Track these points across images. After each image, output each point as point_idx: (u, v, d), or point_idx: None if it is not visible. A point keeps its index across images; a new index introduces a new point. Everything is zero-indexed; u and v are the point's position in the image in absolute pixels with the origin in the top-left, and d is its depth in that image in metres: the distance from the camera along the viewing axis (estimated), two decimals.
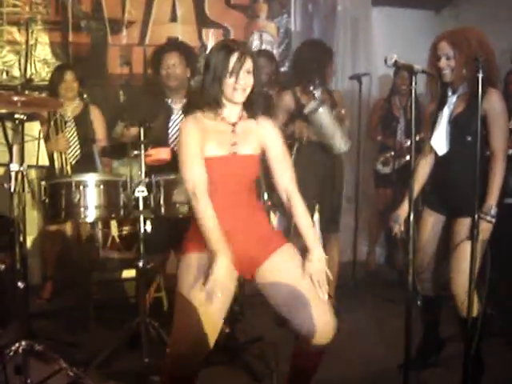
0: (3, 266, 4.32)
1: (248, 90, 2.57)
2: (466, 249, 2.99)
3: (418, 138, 4.38)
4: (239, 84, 2.53)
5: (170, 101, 4.02)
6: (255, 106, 2.64)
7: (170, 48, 4.30)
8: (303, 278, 2.56)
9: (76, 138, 4.81)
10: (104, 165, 4.83)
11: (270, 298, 2.62)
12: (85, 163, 4.70)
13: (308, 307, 2.52)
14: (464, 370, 2.98)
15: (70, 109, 4.82)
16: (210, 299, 2.37)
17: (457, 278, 3.15)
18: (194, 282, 2.45)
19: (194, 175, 2.51)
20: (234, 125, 2.62)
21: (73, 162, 4.75)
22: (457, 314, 3.21)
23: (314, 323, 2.51)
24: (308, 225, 2.65)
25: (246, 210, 2.61)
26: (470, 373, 2.97)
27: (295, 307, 2.54)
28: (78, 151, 4.81)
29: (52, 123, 4.68)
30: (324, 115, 4.09)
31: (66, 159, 4.66)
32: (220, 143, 2.57)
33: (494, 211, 3.05)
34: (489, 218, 3.05)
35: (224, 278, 2.40)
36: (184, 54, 4.18)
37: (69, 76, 4.76)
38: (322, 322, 2.52)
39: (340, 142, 4.21)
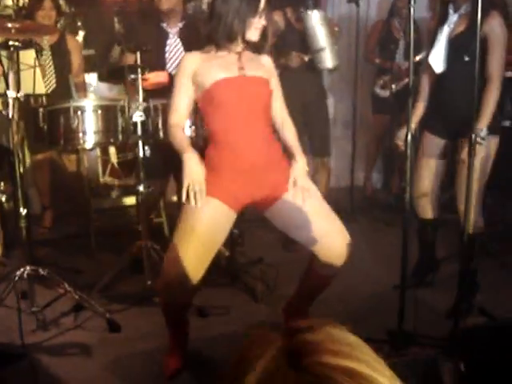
0: (4, 197, 4.37)
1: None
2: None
3: (417, 59, 4.40)
4: (261, 24, 2.57)
5: (165, 25, 3.95)
6: (265, 42, 2.68)
7: None
8: (320, 206, 2.65)
9: (51, 68, 4.74)
10: (81, 96, 4.79)
11: (285, 227, 2.68)
12: (60, 93, 4.66)
13: (326, 233, 2.60)
14: (459, 288, 3.05)
15: (47, 37, 4.69)
16: (192, 201, 2.43)
17: (461, 195, 3.17)
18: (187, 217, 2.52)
19: (178, 115, 2.63)
20: (238, 53, 2.63)
21: (48, 91, 4.65)
22: (459, 233, 3.25)
23: (331, 248, 2.61)
24: (295, 137, 2.76)
25: (261, 146, 2.61)
26: (465, 291, 3.04)
27: (312, 234, 2.60)
28: (54, 81, 4.75)
29: None
30: (316, 19, 4.05)
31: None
32: (226, 67, 2.58)
33: (483, 133, 3.04)
34: (478, 139, 3.03)
35: (199, 176, 2.46)
36: None
37: (47, 3, 4.66)
38: (338, 245, 2.63)
39: (328, 57, 4.18)
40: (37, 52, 4.48)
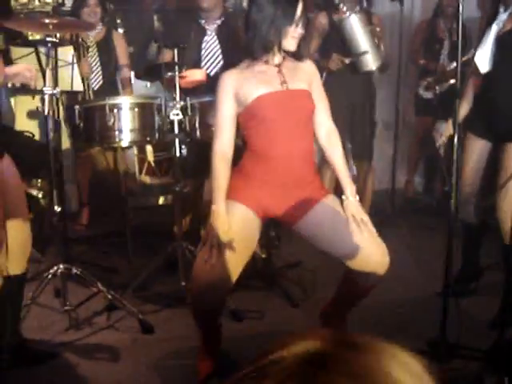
0: (41, 193, 4.36)
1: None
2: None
3: (464, 59, 4.27)
4: (298, 33, 2.48)
5: (203, 21, 3.89)
6: (305, 50, 2.62)
7: None
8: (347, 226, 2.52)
9: (99, 64, 4.73)
10: (127, 92, 4.77)
11: (317, 241, 2.61)
12: (107, 89, 4.64)
13: (361, 249, 2.49)
14: (504, 297, 2.94)
15: (93, 34, 4.72)
16: (213, 255, 2.36)
17: (503, 204, 3.05)
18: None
19: (223, 139, 2.49)
20: (278, 66, 2.55)
21: (95, 88, 4.67)
22: (500, 241, 3.13)
23: (368, 262, 2.50)
24: (343, 164, 2.62)
25: (299, 162, 2.54)
26: (510, 300, 2.92)
27: (346, 252, 2.51)
28: (101, 77, 4.74)
29: (75, 48, 4.57)
30: (355, 23, 3.98)
31: (88, 85, 4.58)
32: (268, 82, 2.51)
33: None
34: None
35: (223, 233, 2.38)
36: None
37: (92, 0, 4.64)
38: (377, 258, 2.52)
39: (369, 59, 4.08)
40: (82, 48, 4.50)
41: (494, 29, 3.06)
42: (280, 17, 2.42)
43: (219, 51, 3.84)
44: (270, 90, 2.48)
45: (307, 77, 2.60)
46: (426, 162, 6.13)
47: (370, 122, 4.56)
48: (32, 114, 4.43)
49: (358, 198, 2.57)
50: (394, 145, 5.13)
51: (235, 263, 2.43)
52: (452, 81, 5.02)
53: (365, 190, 4.63)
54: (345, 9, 3.99)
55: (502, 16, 3.05)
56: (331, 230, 2.53)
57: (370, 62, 4.11)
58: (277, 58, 2.55)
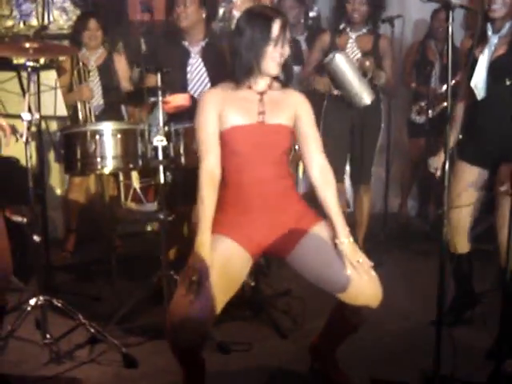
0: (25, 220, 4.27)
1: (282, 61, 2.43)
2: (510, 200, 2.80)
3: (453, 82, 4.22)
4: (279, 54, 2.39)
5: (186, 43, 3.81)
6: (289, 75, 2.57)
7: None
8: (339, 257, 2.43)
9: (100, 88, 4.69)
10: (130, 115, 4.72)
11: (307, 273, 2.51)
12: (110, 113, 4.59)
13: (353, 281, 2.40)
14: (500, 327, 2.85)
15: (94, 58, 4.70)
16: (192, 290, 2.25)
17: (502, 230, 2.97)
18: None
19: (209, 160, 2.41)
20: (261, 94, 2.47)
21: (97, 112, 4.62)
22: (499, 267, 3.05)
23: (360, 295, 2.42)
24: (337, 205, 2.49)
25: (275, 186, 2.47)
26: (507, 329, 2.83)
27: (337, 286, 2.42)
28: (102, 101, 4.69)
29: (75, 72, 4.55)
30: (341, 62, 3.92)
31: (90, 109, 4.53)
32: (246, 112, 2.43)
33: None
34: None
35: (203, 268, 2.28)
36: None
37: (92, 24, 4.63)
38: (369, 291, 2.45)
39: (361, 95, 4.02)
40: (83, 73, 4.45)
41: (486, 53, 2.99)
42: (257, 37, 2.36)
43: (205, 74, 3.76)
44: (245, 122, 2.40)
45: (292, 110, 2.51)
46: (419, 185, 6.08)
47: (372, 146, 4.49)
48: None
49: (350, 239, 2.47)
50: (386, 168, 5.07)
51: (218, 299, 2.31)
52: (444, 104, 4.98)
53: (362, 214, 4.56)
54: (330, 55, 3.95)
55: (493, 40, 2.99)
56: (322, 262, 2.44)
57: (362, 99, 4.05)
58: (260, 85, 2.48)
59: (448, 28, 2.41)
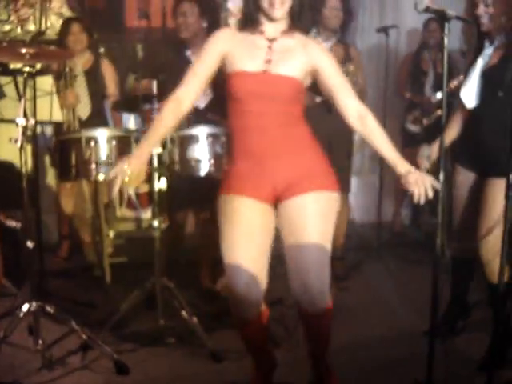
0: (19, 225, 4.26)
1: (287, 4, 2.37)
2: (497, 212, 2.81)
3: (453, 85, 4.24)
4: None
5: (189, 52, 3.82)
6: (298, 19, 2.43)
7: None
8: (317, 238, 2.38)
9: (86, 93, 4.61)
10: (115, 122, 4.70)
11: (281, 228, 2.47)
12: (96, 119, 4.54)
13: (306, 272, 2.37)
14: (492, 337, 2.86)
15: (81, 62, 4.59)
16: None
17: (487, 242, 2.97)
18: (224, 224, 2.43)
19: (181, 90, 2.46)
20: (271, 40, 2.42)
21: (83, 118, 4.55)
22: (486, 280, 3.05)
23: (306, 291, 2.39)
24: (387, 143, 2.49)
25: (280, 133, 2.40)
26: (499, 340, 2.84)
27: (296, 266, 2.40)
28: (89, 107, 4.62)
29: (62, 78, 4.48)
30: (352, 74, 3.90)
31: (73, 115, 4.47)
32: (252, 58, 2.39)
33: None
34: None
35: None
36: (197, 2, 3.95)
37: (76, 28, 4.56)
38: (313, 292, 2.39)
39: None
40: (69, 78, 4.43)
41: (480, 63, 3.01)
42: None
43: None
44: (249, 69, 2.37)
45: (307, 62, 2.41)
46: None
47: (348, 155, 4.45)
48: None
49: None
50: (380, 177, 5.08)
51: (258, 261, 2.42)
52: (439, 112, 5.00)
53: (340, 223, 4.45)
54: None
55: (488, 50, 3.01)
56: (296, 231, 2.40)
57: None
58: (270, 30, 2.42)
59: (443, 39, 2.43)
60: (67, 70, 4.43)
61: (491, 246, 2.92)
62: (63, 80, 4.43)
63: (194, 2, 3.91)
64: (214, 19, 4.05)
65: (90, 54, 4.70)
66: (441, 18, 2.41)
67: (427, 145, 3.25)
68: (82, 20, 4.68)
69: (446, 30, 2.39)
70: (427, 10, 2.38)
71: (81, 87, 4.58)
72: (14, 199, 3.91)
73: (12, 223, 4.27)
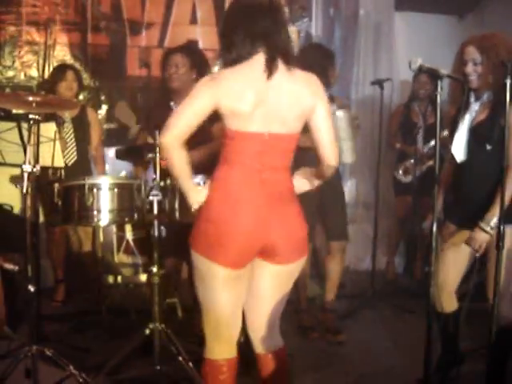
0: (17, 268, 4.29)
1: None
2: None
3: (433, 144, 4.34)
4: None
5: (172, 103, 3.91)
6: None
7: (175, 49, 4.22)
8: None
9: (73, 140, 4.75)
10: (100, 169, 4.79)
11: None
12: (80, 166, 4.68)
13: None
14: None
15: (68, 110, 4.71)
16: None
17: (492, 287, 3.03)
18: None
19: (173, 133, 2.33)
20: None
21: (69, 164, 4.65)
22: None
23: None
24: None
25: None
26: None
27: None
28: (74, 153, 4.75)
29: None
30: (340, 121, 4.00)
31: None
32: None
33: (493, 223, 2.91)
34: (488, 229, 2.93)
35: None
36: (188, 55, 4.06)
37: (70, 75, 4.71)
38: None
39: (347, 153, 4.09)
40: (58, 124, 4.52)
41: (467, 118, 3.11)
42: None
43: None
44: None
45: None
46: (406, 242, 6.14)
47: (342, 203, 4.47)
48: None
49: None
50: (374, 225, 5.15)
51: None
52: (429, 163, 5.13)
53: (332, 273, 4.40)
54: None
55: (474, 106, 3.12)
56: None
57: (347, 157, 4.12)
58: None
59: (437, 96, 2.55)
60: (56, 117, 4.54)
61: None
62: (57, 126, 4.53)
63: (185, 55, 4.04)
64: (203, 71, 4.13)
65: (77, 101, 4.84)
66: (434, 76, 2.53)
67: (427, 220, 3.33)
68: (75, 68, 4.85)
69: (439, 88, 2.51)
70: (421, 68, 2.50)
71: (68, 134, 4.71)
72: (12, 242, 3.97)
73: (10, 266, 4.29)
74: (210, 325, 2.50)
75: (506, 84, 2.64)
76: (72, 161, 4.72)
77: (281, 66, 2.33)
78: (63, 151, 4.53)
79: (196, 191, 2.45)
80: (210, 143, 3.53)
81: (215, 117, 2.37)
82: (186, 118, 2.34)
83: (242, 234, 2.33)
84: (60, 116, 4.62)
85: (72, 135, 4.73)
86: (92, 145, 4.82)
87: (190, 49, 4.29)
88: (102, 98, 4.96)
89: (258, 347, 2.63)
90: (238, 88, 2.30)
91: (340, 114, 4.00)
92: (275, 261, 2.44)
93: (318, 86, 2.41)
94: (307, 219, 2.53)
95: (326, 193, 4.20)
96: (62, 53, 5.37)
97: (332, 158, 2.44)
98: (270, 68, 2.30)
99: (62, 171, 4.34)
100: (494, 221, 2.91)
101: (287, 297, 2.59)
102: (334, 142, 2.44)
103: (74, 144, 4.74)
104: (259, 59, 2.32)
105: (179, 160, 2.40)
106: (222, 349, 2.53)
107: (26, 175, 3.00)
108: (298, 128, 2.40)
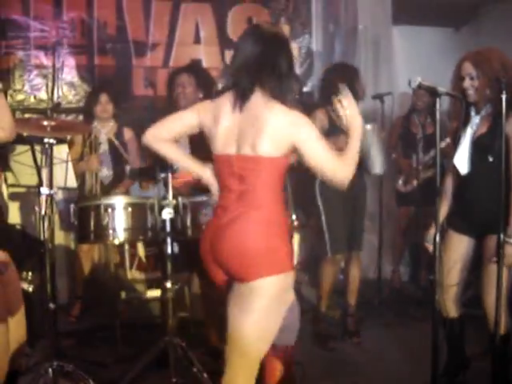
0: (32, 287, 4.38)
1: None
2: (495, 269, 2.97)
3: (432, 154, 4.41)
4: None
5: None
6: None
7: (181, 69, 4.37)
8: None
9: (110, 159, 4.89)
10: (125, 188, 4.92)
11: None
12: (116, 185, 4.83)
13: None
14: None
15: (105, 130, 4.91)
16: None
17: (488, 298, 3.12)
18: None
19: (156, 129, 2.57)
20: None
21: (105, 183, 4.83)
22: (488, 332, 3.19)
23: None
24: None
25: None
26: None
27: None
28: (111, 172, 4.90)
29: (87, 144, 4.77)
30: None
31: (96, 179, 4.75)
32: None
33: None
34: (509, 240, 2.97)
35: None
36: (194, 74, 4.20)
37: (104, 98, 4.87)
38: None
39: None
40: (94, 144, 4.69)
41: (469, 132, 3.22)
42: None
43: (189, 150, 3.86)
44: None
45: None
46: (411, 250, 6.22)
47: (362, 213, 4.59)
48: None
49: None
50: (379, 235, 5.25)
51: None
52: (429, 173, 5.22)
53: (354, 280, 4.58)
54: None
55: (475, 119, 3.23)
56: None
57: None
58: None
59: (436, 113, 2.66)
60: (92, 137, 4.74)
61: (492, 301, 3.03)
62: (88, 146, 4.68)
63: (191, 74, 4.17)
64: (209, 90, 4.25)
65: (114, 122, 4.99)
66: (432, 93, 2.65)
67: (428, 231, 3.40)
68: (109, 91, 4.95)
69: (438, 105, 2.62)
70: (420, 86, 2.62)
71: (104, 154, 4.85)
72: (25, 262, 4.06)
73: (24, 285, 4.38)
74: None
75: (501, 98, 2.75)
76: (108, 180, 4.88)
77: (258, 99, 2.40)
78: (98, 171, 4.73)
79: (199, 167, 2.64)
80: None
81: None
82: (168, 121, 2.58)
83: (201, 252, 2.50)
84: (96, 136, 4.79)
85: (108, 155, 4.89)
86: (130, 163, 4.93)
87: (195, 68, 4.44)
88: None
89: None
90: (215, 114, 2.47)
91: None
92: (235, 278, 2.42)
93: (298, 117, 2.40)
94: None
95: (359, 202, 4.33)
96: (70, 75, 5.50)
97: (325, 177, 2.45)
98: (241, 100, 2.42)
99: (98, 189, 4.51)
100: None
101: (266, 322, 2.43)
102: (324, 163, 2.39)
103: (111, 164, 4.89)
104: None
105: (166, 149, 2.60)
106: None
107: (43, 198, 3.10)
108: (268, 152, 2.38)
